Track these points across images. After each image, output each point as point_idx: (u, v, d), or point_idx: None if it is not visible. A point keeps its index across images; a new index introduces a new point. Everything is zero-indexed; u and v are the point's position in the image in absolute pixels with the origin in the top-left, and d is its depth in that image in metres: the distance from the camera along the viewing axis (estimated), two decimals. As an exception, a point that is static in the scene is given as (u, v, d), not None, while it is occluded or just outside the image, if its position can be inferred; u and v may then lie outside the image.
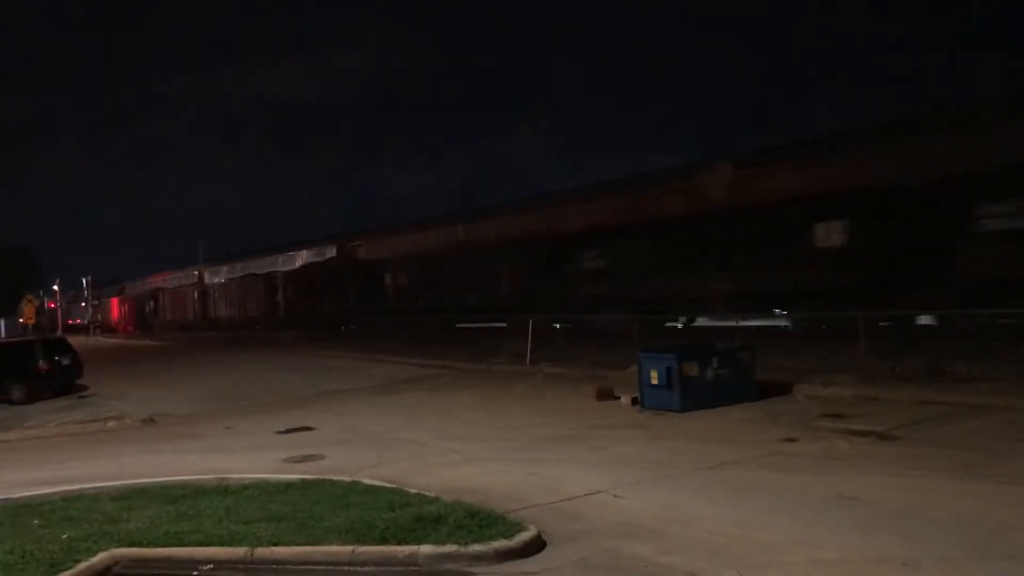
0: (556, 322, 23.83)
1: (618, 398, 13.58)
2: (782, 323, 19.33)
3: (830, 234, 19.71)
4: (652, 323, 20.70)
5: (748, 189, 21.59)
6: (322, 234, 54.08)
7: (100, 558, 6.28)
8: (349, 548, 6.13)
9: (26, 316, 55.49)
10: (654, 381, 12.51)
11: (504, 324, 26.13)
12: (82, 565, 6.12)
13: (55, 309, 73.14)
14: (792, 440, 9.82)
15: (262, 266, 52.82)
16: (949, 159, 17.48)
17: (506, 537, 6.16)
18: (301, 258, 48.83)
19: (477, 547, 6.01)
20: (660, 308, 21.93)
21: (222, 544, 6.41)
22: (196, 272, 65.73)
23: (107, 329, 71.49)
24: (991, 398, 11.30)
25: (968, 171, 17.06)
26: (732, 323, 18.12)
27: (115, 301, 76.68)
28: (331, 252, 46.93)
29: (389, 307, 36.34)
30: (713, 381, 12.51)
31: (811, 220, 19.86)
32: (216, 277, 61.69)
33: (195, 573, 6.13)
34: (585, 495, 7.65)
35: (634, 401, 13.04)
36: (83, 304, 78.94)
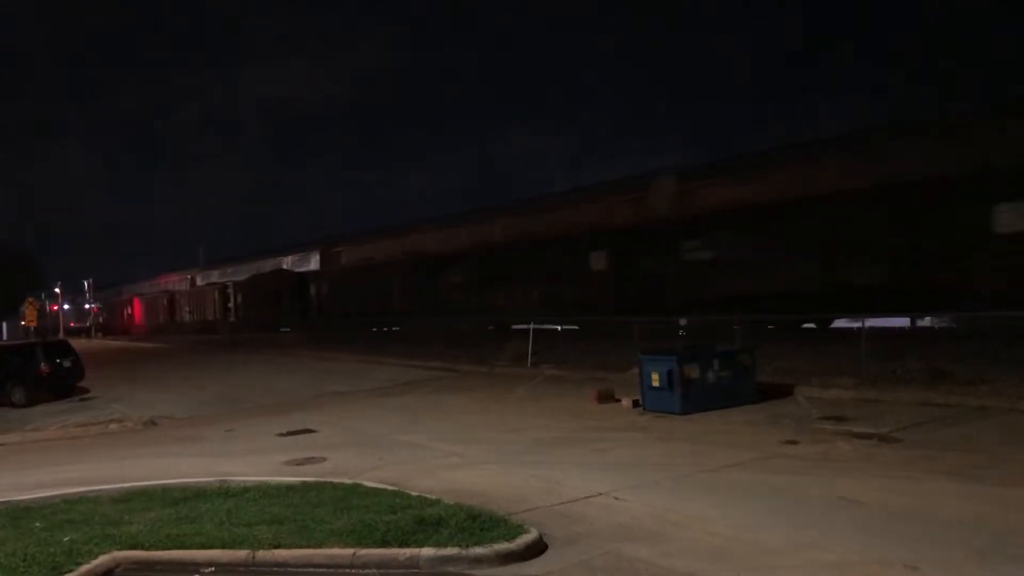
0: (426, 324, 30.45)
1: (619, 400, 13.58)
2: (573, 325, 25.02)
3: (599, 261, 26.18)
4: (502, 325, 26.91)
5: (556, 224, 29.29)
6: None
7: (102, 560, 6.29)
8: (350, 551, 6.13)
9: (28, 318, 55.69)
10: (655, 383, 12.50)
11: (398, 327, 33.77)
12: (84, 567, 6.13)
13: (57, 311, 73.37)
14: (793, 442, 9.82)
15: (228, 274, 58.50)
16: (665, 208, 25.08)
17: (507, 540, 6.16)
18: (252, 268, 54.62)
19: (478, 550, 6.01)
20: (500, 314, 28.52)
21: (223, 547, 6.41)
22: (189, 276, 67.18)
23: (109, 331, 71.79)
24: (992, 400, 11.30)
25: (675, 217, 24.27)
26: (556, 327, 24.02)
27: (116, 304, 77.21)
28: (271, 265, 53.79)
29: (313, 312, 44.27)
30: (714, 383, 12.50)
31: (588, 250, 26.44)
32: (206, 280, 63.63)
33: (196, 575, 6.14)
34: (586, 497, 7.66)
35: (635, 403, 13.04)
36: (85, 306, 79.23)
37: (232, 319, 51.84)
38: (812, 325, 19.05)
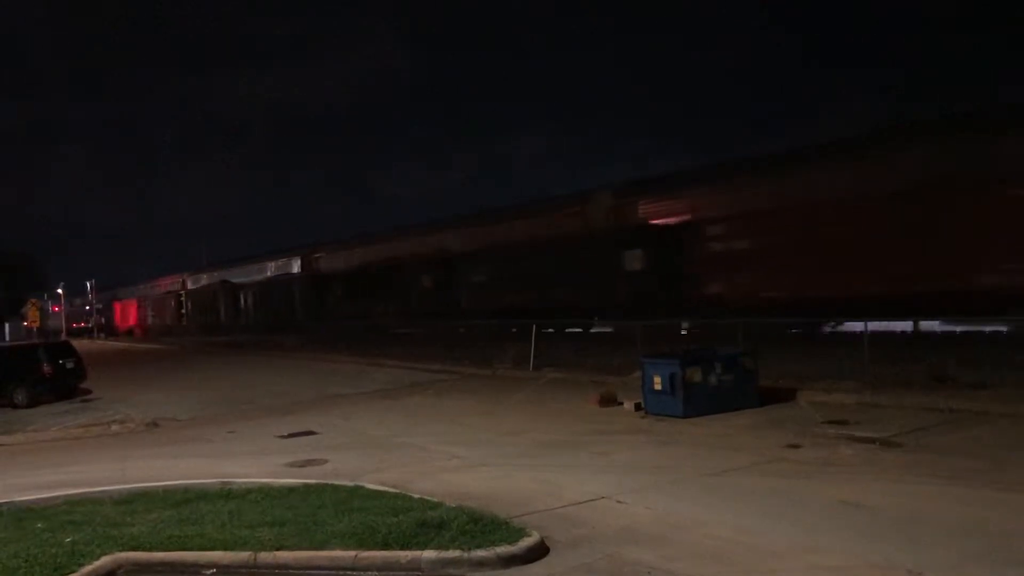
0: (318, 327, 38.38)
1: (621, 403, 13.58)
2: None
3: (427, 283, 35.17)
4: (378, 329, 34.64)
5: (400, 254, 38.03)
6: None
7: (103, 562, 6.29)
8: (352, 553, 6.13)
9: (30, 319, 55.87)
10: (657, 387, 12.51)
11: (301, 331, 40.26)
12: (86, 569, 6.13)
13: (60, 312, 73.85)
14: (795, 446, 9.81)
15: (215, 277, 62.96)
16: (468, 245, 33.58)
17: (509, 543, 6.16)
18: (241, 273, 59.36)
19: (480, 552, 6.01)
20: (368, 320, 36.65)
21: (225, 548, 6.41)
22: (180, 279, 70.79)
23: (111, 332, 72.34)
24: (994, 405, 11.29)
25: (471, 252, 33.03)
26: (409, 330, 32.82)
27: (116, 305, 77.84)
28: (256, 269, 57.75)
29: (242, 318, 52.11)
30: (716, 387, 12.50)
31: (425, 276, 35.36)
32: (196, 284, 68.41)
33: (198, 577, 6.14)
34: (588, 501, 7.66)
35: (637, 407, 13.04)
36: (87, 308, 79.63)
37: (184, 323, 59.47)
38: (552, 330, 25.44)
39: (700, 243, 22.20)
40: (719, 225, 21.89)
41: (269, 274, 53.20)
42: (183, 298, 61.77)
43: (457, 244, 34.45)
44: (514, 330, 25.30)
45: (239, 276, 57.62)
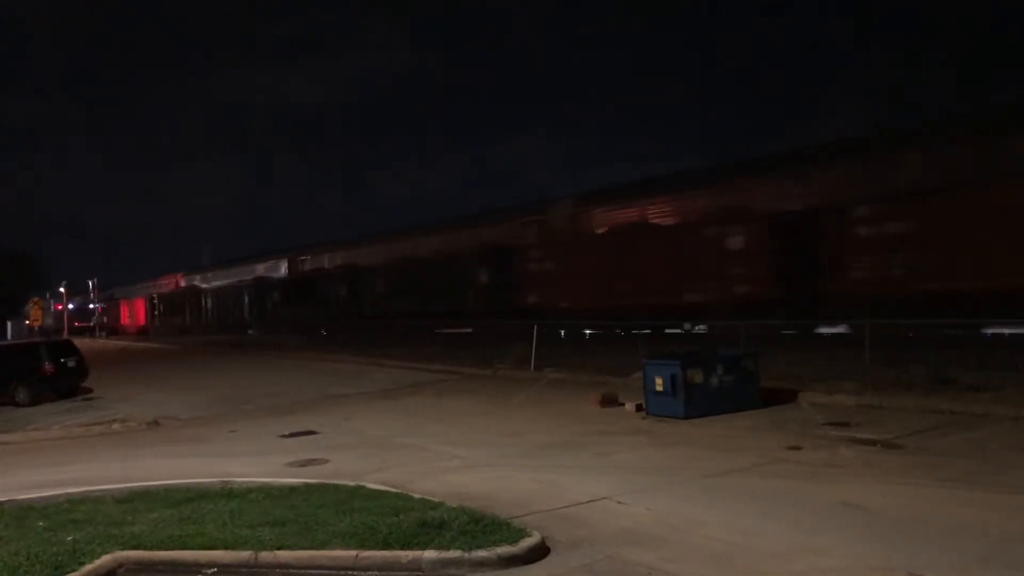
0: (264, 331, 44.73)
1: (622, 404, 13.58)
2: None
3: (344, 290, 41.31)
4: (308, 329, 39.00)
5: (320, 267, 47.25)
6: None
7: (104, 560, 6.30)
8: (353, 552, 6.13)
9: (32, 318, 56.01)
10: (658, 388, 12.49)
11: (252, 331, 46.97)
12: (86, 567, 6.14)
13: (62, 311, 74.18)
14: (796, 448, 9.81)
15: (209, 278, 68.21)
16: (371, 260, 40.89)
17: (510, 543, 6.16)
18: (232, 274, 63.32)
19: (481, 553, 6.01)
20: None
21: (226, 548, 6.41)
22: (175, 279, 73.87)
23: (113, 331, 72.57)
24: (995, 407, 11.27)
25: (376, 265, 40.09)
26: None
27: (120, 304, 78.12)
28: (250, 271, 61.21)
29: (204, 319, 57.86)
30: (717, 388, 12.49)
31: (339, 285, 42.13)
32: (189, 283, 72.41)
33: (199, 576, 6.14)
34: (588, 501, 7.66)
35: (638, 408, 13.03)
36: (89, 306, 79.87)
37: (157, 324, 64.94)
38: (456, 331, 30.14)
39: (524, 264, 29.17)
40: (537, 250, 29.41)
41: (229, 281, 58.69)
42: (155, 300, 68.21)
43: (363, 258, 41.33)
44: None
45: (221, 279, 61.74)
